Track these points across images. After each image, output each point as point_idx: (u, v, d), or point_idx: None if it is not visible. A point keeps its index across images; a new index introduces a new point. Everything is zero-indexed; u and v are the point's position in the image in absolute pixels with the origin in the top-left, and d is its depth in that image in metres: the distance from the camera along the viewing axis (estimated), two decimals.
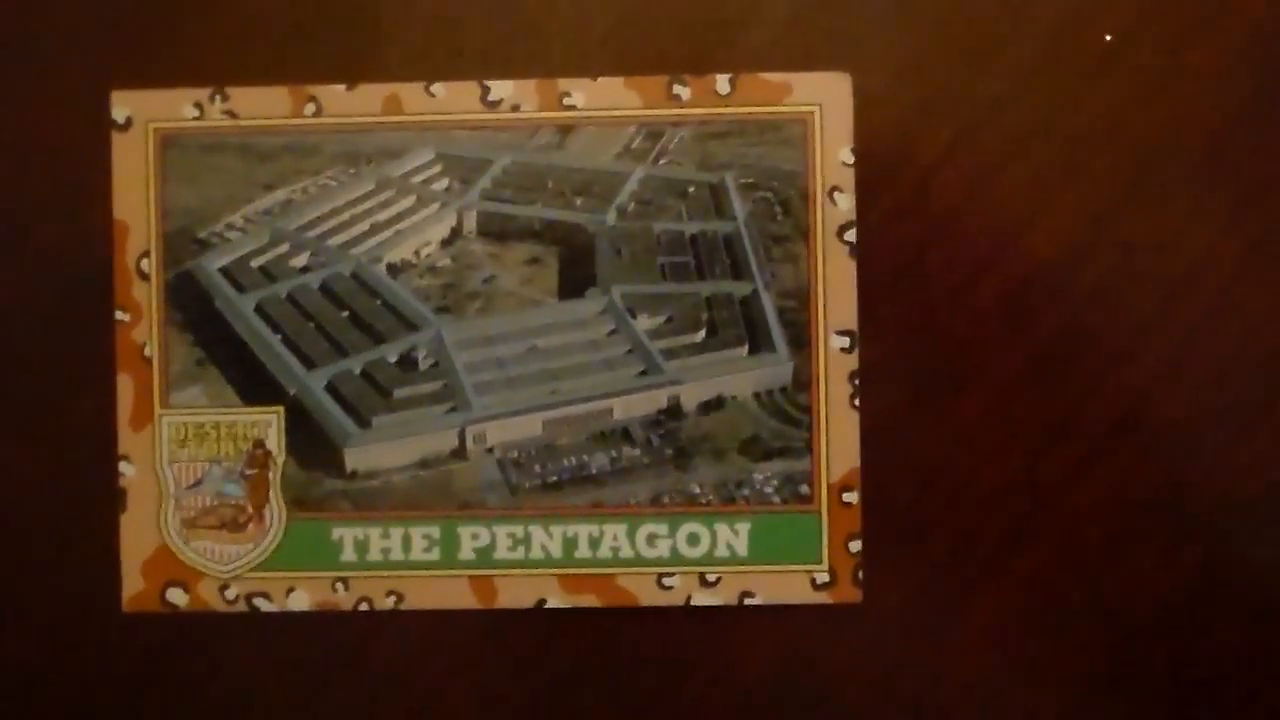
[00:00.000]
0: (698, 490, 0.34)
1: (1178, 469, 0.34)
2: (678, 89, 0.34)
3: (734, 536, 0.34)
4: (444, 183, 0.35)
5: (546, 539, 0.34)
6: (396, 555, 0.34)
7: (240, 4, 0.35)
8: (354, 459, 0.34)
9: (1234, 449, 0.34)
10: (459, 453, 0.34)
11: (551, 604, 0.34)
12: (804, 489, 0.34)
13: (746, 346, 0.34)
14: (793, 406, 0.34)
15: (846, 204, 0.34)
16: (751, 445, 0.34)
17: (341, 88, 0.34)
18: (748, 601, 0.34)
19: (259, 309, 0.35)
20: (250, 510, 0.34)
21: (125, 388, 0.34)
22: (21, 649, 0.35)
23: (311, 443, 0.34)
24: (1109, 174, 0.34)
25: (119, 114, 0.34)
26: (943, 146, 0.34)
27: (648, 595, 0.34)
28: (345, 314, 0.35)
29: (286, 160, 0.35)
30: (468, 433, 0.34)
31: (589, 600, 0.34)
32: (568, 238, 0.35)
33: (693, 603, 0.34)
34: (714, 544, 0.34)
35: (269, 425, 0.34)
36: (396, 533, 0.34)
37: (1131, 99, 0.34)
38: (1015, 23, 0.34)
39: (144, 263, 0.34)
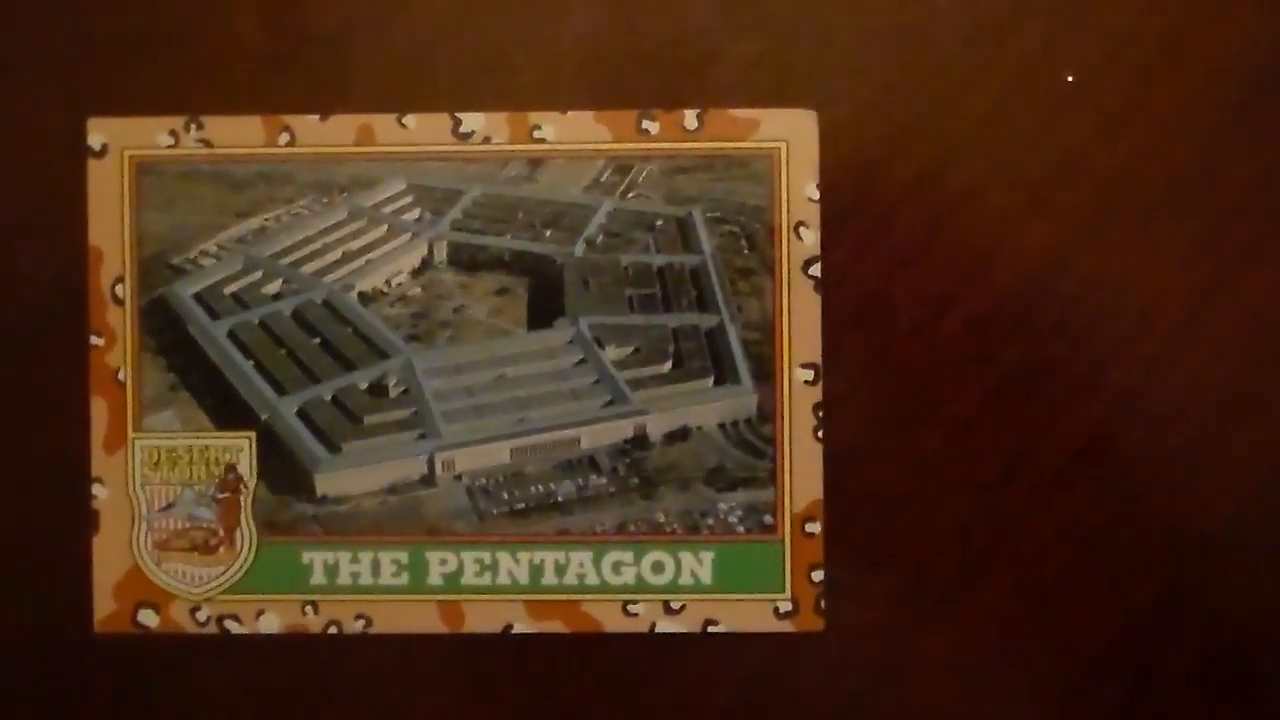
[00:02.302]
0: (663, 519, 0.34)
1: (1136, 502, 0.35)
2: (646, 124, 0.35)
3: (698, 565, 0.34)
4: (415, 213, 0.36)
5: (513, 565, 0.34)
6: (365, 579, 0.34)
7: (216, 34, 0.35)
8: (324, 484, 0.34)
9: (1191, 483, 0.34)
10: (428, 479, 0.35)
11: (518, 629, 0.34)
12: (767, 519, 0.34)
13: (712, 378, 0.35)
14: (757, 438, 0.34)
15: (811, 239, 0.34)
16: (716, 475, 0.34)
17: (315, 118, 0.35)
18: (711, 629, 0.34)
19: (232, 335, 0.35)
20: (221, 533, 0.35)
21: (99, 411, 0.35)
22: None
23: (283, 467, 0.35)
24: (1070, 211, 0.35)
25: (95, 141, 0.35)
26: (907, 183, 0.35)
27: (613, 622, 0.34)
28: (317, 341, 0.35)
29: (260, 189, 0.35)
30: (436, 459, 0.35)
31: (555, 626, 0.34)
32: (537, 269, 0.36)
33: (657, 630, 0.34)
34: (678, 572, 0.34)
35: (241, 450, 0.35)
36: (366, 557, 0.34)
37: (1093, 138, 0.35)
38: (979, 62, 0.35)
39: (118, 288, 0.35)
